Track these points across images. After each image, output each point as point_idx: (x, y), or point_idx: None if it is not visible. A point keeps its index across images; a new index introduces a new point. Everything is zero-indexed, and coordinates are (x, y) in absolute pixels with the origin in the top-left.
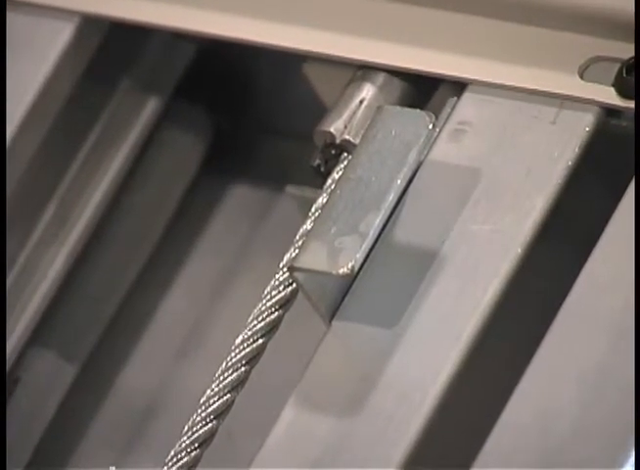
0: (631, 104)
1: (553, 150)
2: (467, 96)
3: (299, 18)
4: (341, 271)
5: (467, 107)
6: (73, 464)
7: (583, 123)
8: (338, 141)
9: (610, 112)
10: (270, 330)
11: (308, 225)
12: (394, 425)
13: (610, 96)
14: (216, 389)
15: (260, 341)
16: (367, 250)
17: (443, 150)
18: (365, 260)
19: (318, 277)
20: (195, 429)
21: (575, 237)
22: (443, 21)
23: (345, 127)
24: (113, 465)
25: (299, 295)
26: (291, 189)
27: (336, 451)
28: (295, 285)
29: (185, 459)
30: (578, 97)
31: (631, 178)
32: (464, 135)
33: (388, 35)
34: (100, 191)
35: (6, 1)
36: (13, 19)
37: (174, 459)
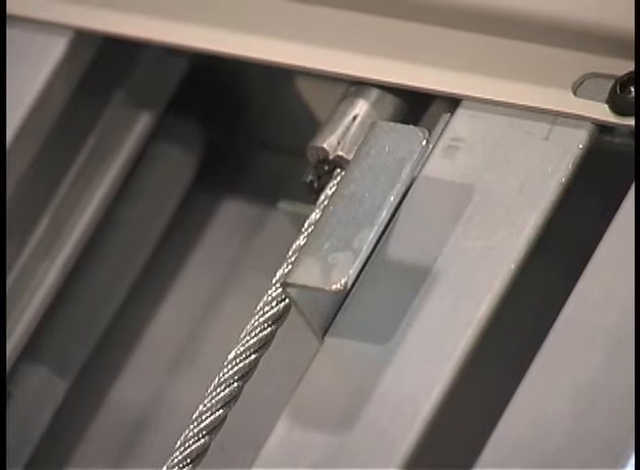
0: (625, 121)
1: (546, 166)
2: (460, 112)
3: (293, 33)
4: (334, 287)
5: (460, 123)
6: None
7: (577, 140)
8: (331, 157)
9: (603, 128)
10: (263, 346)
11: (301, 241)
12: (388, 440)
13: (603, 113)
14: (209, 404)
15: (253, 357)
16: (360, 266)
17: (437, 166)
18: (358, 277)
19: (311, 293)
20: (187, 445)
21: (568, 254)
22: (437, 36)
23: (339, 143)
24: None
25: (292, 310)
26: (283, 205)
27: (329, 465)
28: (287, 301)
29: None
30: (572, 113)
31: (624, 195)
32: (457, 151)
33: (381, 51)
34: (93, 205)
35: (6, 1)
36: (7, 33)
37: None
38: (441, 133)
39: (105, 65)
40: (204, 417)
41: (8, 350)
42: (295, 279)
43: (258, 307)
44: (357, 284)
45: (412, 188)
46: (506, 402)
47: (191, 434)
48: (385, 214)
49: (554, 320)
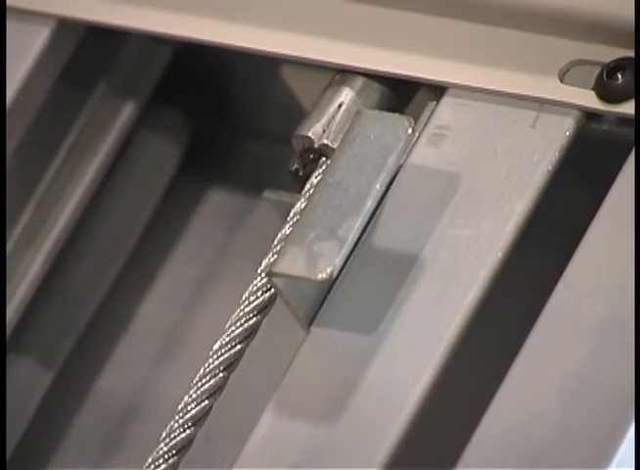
0: (612, 108)
1: (533, 154)
2: (446, 100)
3: (277, 21)
4: (319, 277)
5: (446, 111)
6: (53, 466)
7: (563, 127)
8: (316, 145)
9: (590, 115)
10: (248, 336)
11: (287, 230)
12: (376, 428)
13: (590, 100)
14: (194, 395)
15: (238, 347)
16: (346, 255)
17: (423, 154)
18: (344, 266)
19: (297, 283)
20: (173, 435)
21: (555, 241)
22: (422, 24)
23: (324, 132)
24: (94, 464)
25: (278, 300)
26: (269, 194)
27: (316, 456)
28: (273, 290)
29: (163, 466)
30: (558, 101)
31: (612, 183)
32: (443, 139)
33: (366, 39)
34: (77, 195)
35: (5, 1)
36: None
37: (152, 466)
38: (427, 121)
39: (88, 54)
40: (189, 408)
41: None
42: (280, 269)
43: (244, 297)
44: (343, 273)
45: (398, 177)
46: (494, 392)
47: (176, 425)
48: (370, 203)
49: (541, 309)
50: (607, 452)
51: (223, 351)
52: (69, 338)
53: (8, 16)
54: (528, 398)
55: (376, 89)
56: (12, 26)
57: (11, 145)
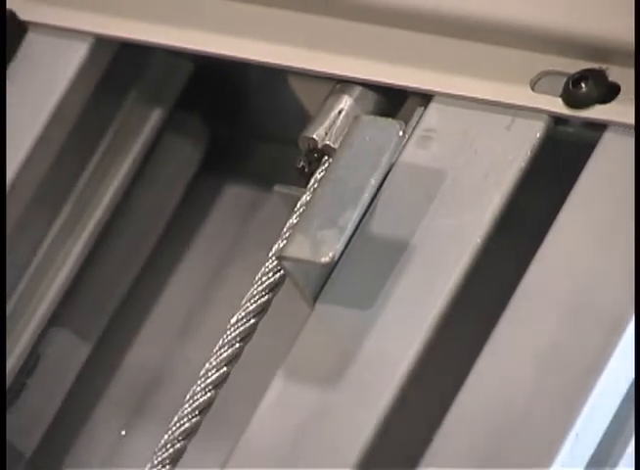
0: (577, 113)
1: (508, 153)
2: (432, 106)
3: (286, 38)
4: (322, 260)
5: (432, 116)
6: (88, 428)
7: (535, 130)
8: (320, 146)
9: (558, 120)
10: (261, 311)
11: (294, 220)
12: (370, 393)
13: (558, 106)
14: (214, 363)
15: (253, 321)
16: (345, 241)
17: (412, 154)
18: (344, 251)
19: (303, 265)
20: (195, 398)
21: (528, 229)
22: (411, 40)
23: (326, 134)
24: (123, 429)
25: (287, 281)
26: (278, 188)
27: (319, 416)
28: (282, 272)
29: (187, 425)
30: (530, 107)
31: (576, 179)
32: (430, 141)
33: (363, 53)
34: (111, 190)
35: (5, 2)
36: (35, 38)
37: (177, 425)
38: (416, 125)
39: (121, 66)
40: (210, 374)
41: (38, 317)
42: (288, 253)
43: (257, 278)
44: (343, 257)
45: (390, 173)
46: (474, 361)
47: (199, 389)
48: (367, 196)
49: (516, 287)
50: (574, 411)
51: (239, 324)
52: (104, 315)
53: (51, 33)
54: (505, 366)
55: (371, 97)
56: (54, 42)
57: (54, 147)
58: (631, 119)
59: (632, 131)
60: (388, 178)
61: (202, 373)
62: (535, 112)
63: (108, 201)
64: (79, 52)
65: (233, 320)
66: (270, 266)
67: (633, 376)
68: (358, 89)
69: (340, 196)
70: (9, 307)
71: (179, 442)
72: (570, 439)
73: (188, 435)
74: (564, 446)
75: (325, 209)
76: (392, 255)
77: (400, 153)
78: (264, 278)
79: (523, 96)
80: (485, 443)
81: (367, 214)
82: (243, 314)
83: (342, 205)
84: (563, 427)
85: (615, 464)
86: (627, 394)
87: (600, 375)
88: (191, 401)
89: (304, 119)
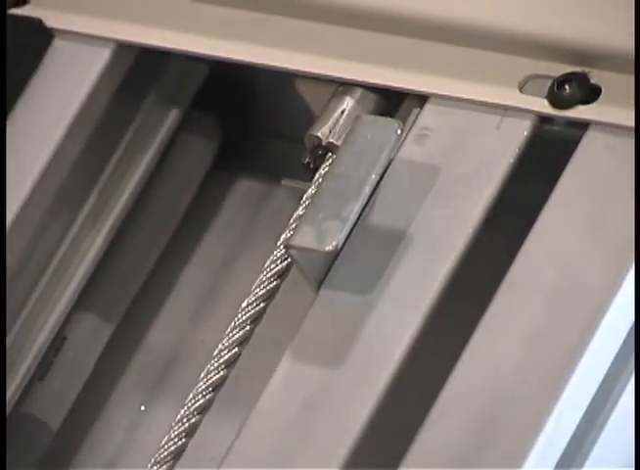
0: (562, 113)
1: (498, 150)
2: (428, 107)
3: (293, 44)
4: (326, 249)
5: (428, 115)
6: (111, 404)
7: (522, 129)
8: (324, 143)
9: (544, 119)
10: (270, 296)
11: (300, 211)
12: (370, 371)
13: (544, 106)
14: (226, 344)
15: (262, 305)
16: (348, 231)
17: (409, 150)
18: (346, 240)
19: (308, 254)
20: (209, 376)
21: (516, 221)
22: (408, 45)
23: (330, 132)
24: (142, 405)
25: (293, 268)
26: (286, 182)
27: (323, 392)
28: (289, 260)
29: (201, 401)
30: (518, 107)
31: (561, 173)
32: (426, 139)
33: (363, 58)
34: (131, 184)
35: (5, 2)
36: (61, 45)
37: (193, 400)
38: (412, 124)
39: (140, 70)
40: (222, 354)
41: (64, 301)
42: (295, 242)
43: (266, 265)
44: (345, 246)
45: (389, 168)
46: (465, 344)
47: (212, 368)
48: (367, 190)
49: (504, 275)
50: (558, 389)
51: (250, 308)
52: (125, 300)
53: (76, 39)
54: (494, 348)
55: (371, 98)
56: (79, 48)
57: (78, 145)
58: (611, 119)
59: (612, 129)
60: (387, 173)
61: (215, 353)
62: (523, 112)
63: (128, 194)
64: (102, 57)
65: (244, 304)
66: (278, 255)
67: (612, 356)
68: (359, 91)
69: (342, 189)
70: (37, 292)
71: (194, 416)
72: (554, 415)
73: (202, 410)
74: (549, 421)
75: (329, 201)
76: (391, 244)
77: (398, 149)
78: (273, 266)
79: (511, 97)
80: (476, 418)
81: (368, 207)
82: (253, 299)
83: (344, 198)
84: (548, 403)
85: (593, 442)
86: (607, 373)
87: (582, 355)
88: (205, 379)
89: (310, 119)
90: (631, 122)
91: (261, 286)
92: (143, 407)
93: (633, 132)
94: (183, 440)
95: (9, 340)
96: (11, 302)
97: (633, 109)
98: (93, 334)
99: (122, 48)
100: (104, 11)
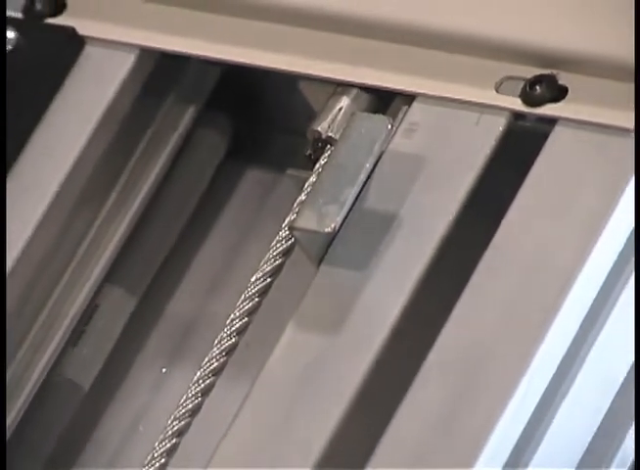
0: (533, 110)
1: (477, 143)
2: (415, 105)
3: (296, 50)
4: (326, 230)
5: (415, 112)
6: (136, 366)
7: (498, 124)
8: (323, 137)
9: (517, 116)
10: (276, 272)
11: (303, 197)
12: (364, 338)
13: (517, 105)
14: (237, 314)
15: (269, 280)
16: (345, 214)
17: (398, 143)
18: (343, 222)
19: (310, 234)
20: (222, 343)
21: (493, 204)
22: (398, 51)
23: (329, 127)
24: (164, 368)
25: (297, 247)
26: (290, 171)
27: (323, 357)
28: (293, 240)
29: (215, 364)
30: (495, 105)
31: (532, 165)
32: (413, 133)
33: (358, 62)
34: (153, 173)
35: (5, 2)
36: (91, 50)
37: (208, 364)
38: (402, 120)
39: (161, 73)
40: (234, 323)
41: (96, 274)
42: (298, 224)
43: (272, 245)
44: (343, 227)
45: (381, 159)
46: (448, 316)
47: (225, 335)
48: (362, 178)
49: (482, 254)
50: (532, 349)
51: (258, 282)
52: (148, 274)
53: (104, 45)
54: (475, 315)
55: (365, 97)
56: (106, 53)
57: (104, 141)
58: (577, 115)
59: (578, 124)
60: (379, 163)
61: (227, 322)
62: (499, 109)
63: (151, 182)
64: (127, 61)
65: (253, 279)
66: (283, 235)
67: (578, 325)
68: (355, 91)
69: (340, 177)
70: (70, 269)
71: (209, 378)
72: (529, 373)
73: (217, 372)
74: (524, 377)
75: (328, 188)
76: (383, 225)
77: (389, 142)
78: (278, 245)
79: (488, 97)
80: (461, 375)
81: (362, 192)
82: (261, 274)
83: (341, 185)
84: (522, 362)
85: (561, 398)
86: (575, 337)
87: (553, 320)
88: (219, 345)
89: (311, 115)
90: (594, 118)
91: (268, 263)
92: (164, 370)
93: (596, 126)
94: (199, 398)
95: (45, 311)
96: (46, 277)
97: (596, 106)
98: (120, 305)
99: (145, 53)
100: (129, 20)
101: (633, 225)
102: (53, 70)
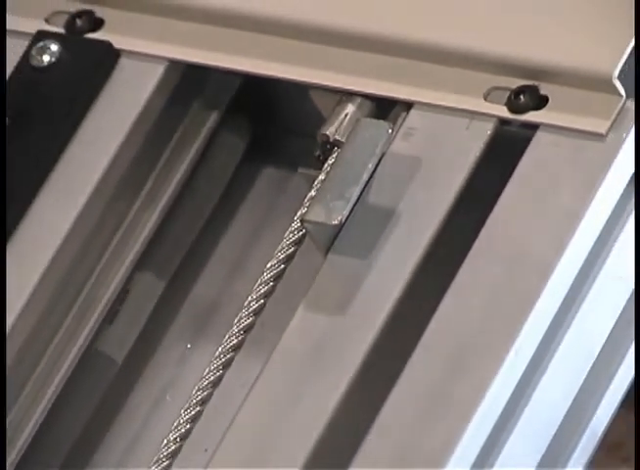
0: (517, 117)
1: (467, 146)
2: (413, 112)
3: (308, 62)
4: (333, 222)
5: (413, 118)
6: (164, 342)
7: (486, 129)
8: (331, 140)
9: (503, 122)
10: (288, 259)
11: (313, 193)
12: (367, 318)
13: (503, 112)
14: (255, 296)
15: (282, 266)
16: (350, 209)
17: (398, 146)
18: (349, 216)
19: (319, 226)
20: (241, 321)
21: (481, 201)
22: (399, 64)
23: (336, 131)
24: (188, 343)
25: (307, 237)
26: (302, 170)
27: (329, 335)
28: (304, 231)
29: (235, 341)
30: (483, 112)
31: (516, 165)
32: (411, 136)
33: (363, 73)
34: (180, 172)
35: (5, 2)
36: (125, 62)
37: (228, 341)
38: (401, 125)
39: (187, 82)
40: (251, 304)
41: (127, 263)
42: (308, 217)
43: (286, 235)
44: (348, 221)
45: (382, 160)
46: (442, 297)
47: (243, 315)
48: (365, 176)
49: (471, 245)
50: (515, 330)
51: (273, 268)
52: (176, 260)
53: (137, 58)
54: (464, 300)
55: (369, 105)
56: (139, 65)
57: (137, 142)
58: (556, 122)
59: (557, 130)
60: (380, 163)
61: (245, 304)
62: (487, 116)
63: (177, 179)
64: (157, 72)
65: (268, 265)
66: (295, 227)
67: (556, 308)
68: (359, 99)
69: (346, 176)
70: (107, 254)
71: (229, 353)
72: (512, 350)
73: (236, 348)
74: (508, 355)
75: (335, 185)
76: (384, 218)
77: (389, 145)
78: (291, 235)
79: (478, 105)
80: (454, 352)
81: (366, 189)
82: (275, 261)
83: (347, 182)
84: (507, 341)
85: (542, 373)
86: (552, 320)
87: (534, 304)
88: (238, 324)
89: (320, 120)
90: (572, 124)
91: (282, 251)
92: (189, 346)
93: (573, 132)
94: (221, 371)
95: (85, 292)
96: (86, 262)
97: (573, 114)
98: (150, 288)
99: (173, 65)
100: (158, 36)
101: (605, 221)
102: (91, 79)
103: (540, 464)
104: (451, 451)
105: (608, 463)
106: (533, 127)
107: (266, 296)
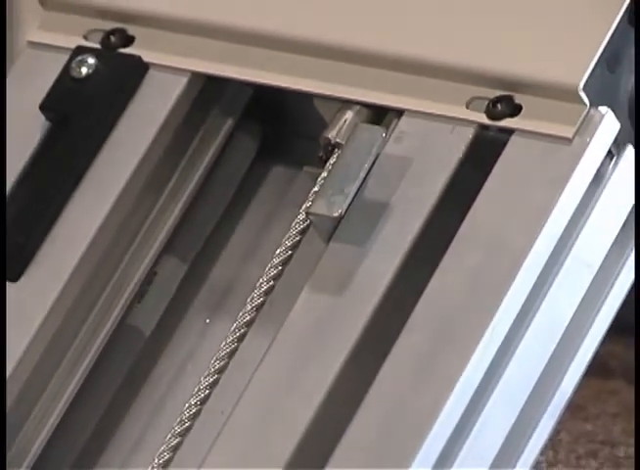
0: (494, 123)
1: (451, 149)
2: (404, 118)
3: (313, 74)
4: (334, 215)
5: (404, 124)
6: (186, 317)
7: (468, 134)
8: (332, 142)
9: (483, 127)
10: (295, 247)
11: (316, 189)
12: (362, 298)
13: (483, 118)
14: (265, 278)
15: (289, 252)
16: (349, 203)
17: (391, 147)
18: (348, 209)
19: (322, 218)
20: (253, 301)
21: (463, 197)
22: (391, 76)
23: (337, 135)
24: (207, 319)
25: (311, 227)
26: (307, 169)
27: (330, 314)
28: (309, 222)
29: (247, 317)
30: (465, 119)
31: (493, 166)
32: (402, 140)
33: (360, 84)
34: (200, 171)
35: (5, 2)
36: (152, 74)
37: (242, 317)
38: (393, 129)
39: (207, 91)
40: (262, 286)
41: (154, 248)
42: (312, 210)
43: (292, 225)
44: (347, 213)
45: (377, 160)
46: (429, 280)
47: (255, 295)
48: (362, 175)
49: (454, 236)
50: (493, 309)
51: (281, 254)
52: (197, 246)
53: (163, 70)
54: (447, 282)
55: (365, 112)
56: (165, 76)
57: (161, 146)
58: (529, 127)
59: (530, 134)
60: (375, 163)
61: (257, 285)
62: (468, 122)
63: (197, 178)
64: (181, 83)
65: (277, 252)
66: (301, 218)
67: (528, 291)
68: (357, 107)
69: (345, 174)
70: (137, 241)
71: (243, 328)
72: (491, 326)
73: (249, 324)
74: (487, 330)
75: (336, 182)
76: (378, 211)
77: (383, 147)
78: (297, 225)
79: (460, 112)
80: (439, 328)
81: (362, 187)
82: (283, 248)
83: (346, 180)
84: (486, 318)
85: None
86: (525, 301)
87: (509, 287)
88: (250, 303)
89: (323, 125)
90: (542, 130)
91: (289, 239)
92: (208, 321)
93: (543, 136)
94: (235, 344)
95: (117, 274)
96: (119, 248)
97: (544, 121)
98: (175, 270)
99: (195, 76)
100: (183, 51)
101: (571, 214)
102: (123, 88)
103: (516, 423)
104: (436, 416)
105: (572, 421)
106: (509, 132)
107: (275, 278)
